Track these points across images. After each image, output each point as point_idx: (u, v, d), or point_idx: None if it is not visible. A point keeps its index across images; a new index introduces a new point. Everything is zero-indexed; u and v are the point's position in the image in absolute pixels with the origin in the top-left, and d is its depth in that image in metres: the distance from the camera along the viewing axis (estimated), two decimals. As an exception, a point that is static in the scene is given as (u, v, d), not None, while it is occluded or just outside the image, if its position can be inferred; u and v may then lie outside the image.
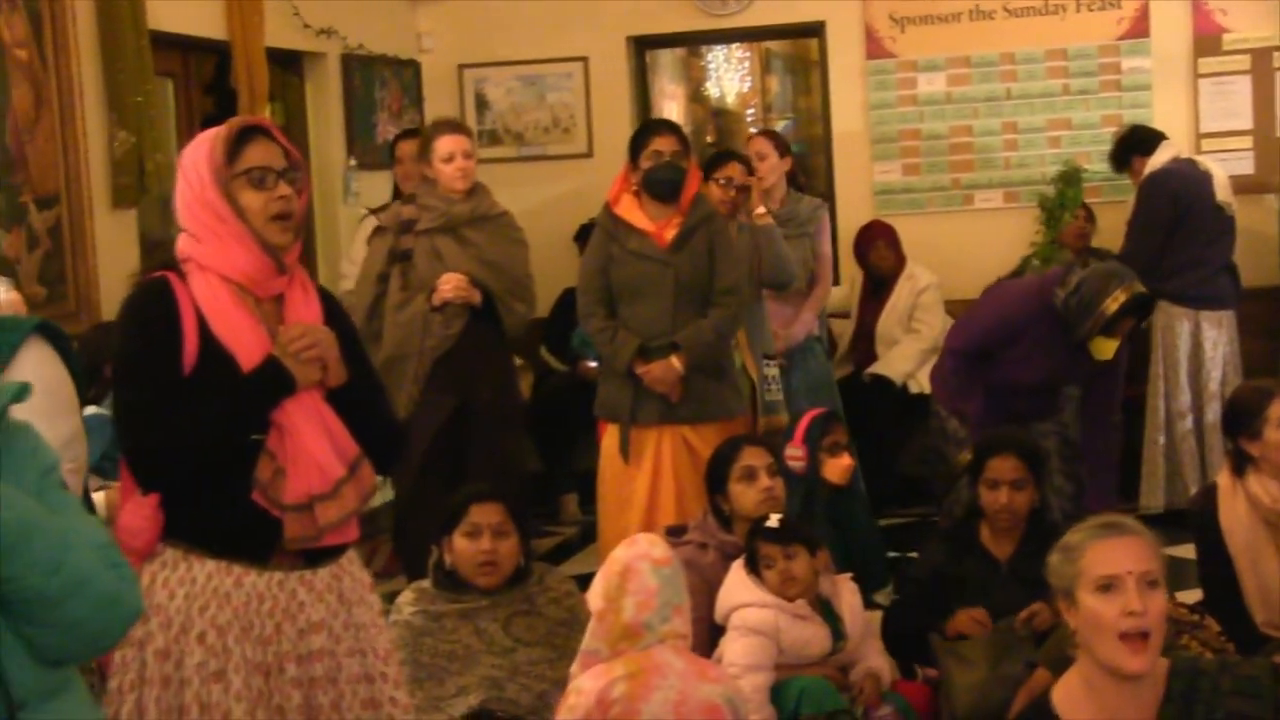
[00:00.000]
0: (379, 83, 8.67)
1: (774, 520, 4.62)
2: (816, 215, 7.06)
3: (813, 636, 4.55)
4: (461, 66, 9.20)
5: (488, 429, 5.93)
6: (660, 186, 5.65)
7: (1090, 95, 8.58)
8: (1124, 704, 3.03)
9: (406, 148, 7.24)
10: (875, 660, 4.66)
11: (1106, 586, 3.00)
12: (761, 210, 6.31)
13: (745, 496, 4.90)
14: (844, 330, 8.42)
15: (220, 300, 3.23)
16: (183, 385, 3.17)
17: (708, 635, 4.71)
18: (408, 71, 9.02)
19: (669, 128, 5.84)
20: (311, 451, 3.22)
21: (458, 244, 5.96)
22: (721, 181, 6.19)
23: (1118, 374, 5.95)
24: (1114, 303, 5.57)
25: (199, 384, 3.18)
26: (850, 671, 4.61)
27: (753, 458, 4.95)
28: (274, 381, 3.20)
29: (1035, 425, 5.77)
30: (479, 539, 4.54)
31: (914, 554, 5.84)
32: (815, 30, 9.04)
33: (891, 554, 6.16)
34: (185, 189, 3.27)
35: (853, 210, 8.75)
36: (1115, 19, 8.55)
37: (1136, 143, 7.60)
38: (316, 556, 3.29)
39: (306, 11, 7.87)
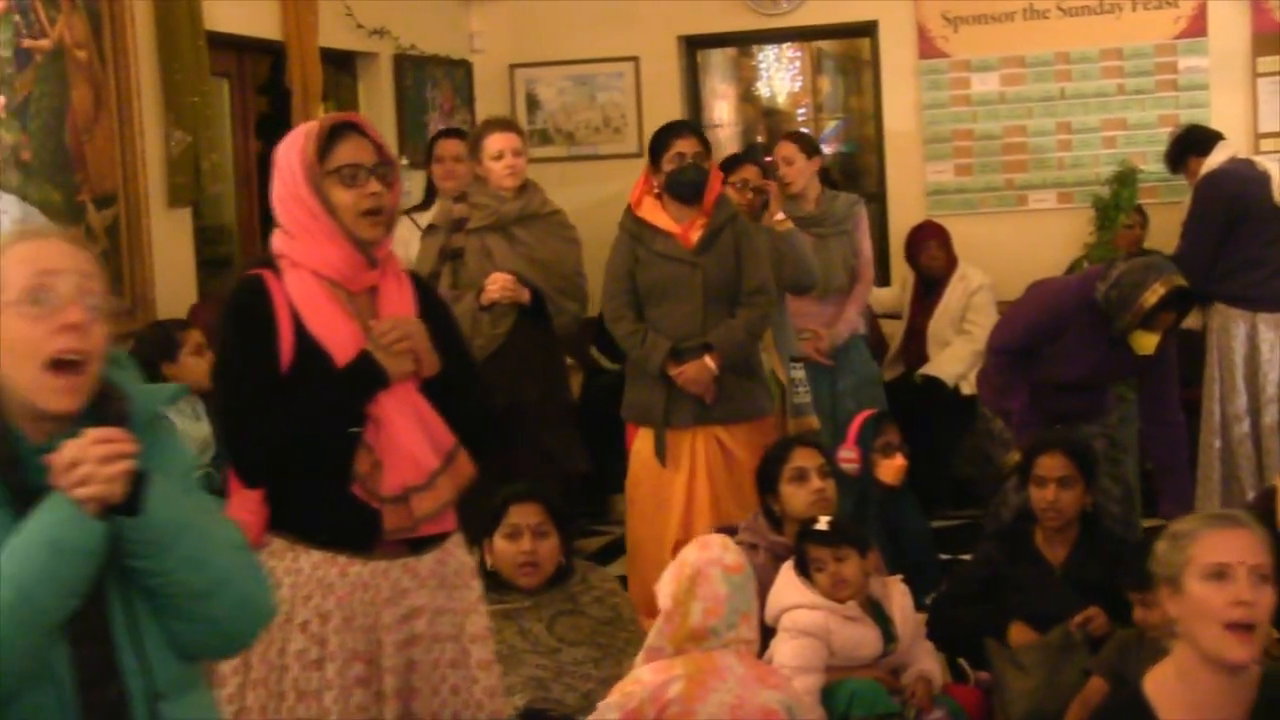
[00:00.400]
0: (431, 83, 8.70)
1: (823, 523, 4.61)
2: (853, 212, 7.07)
3: (863, 638, 4.53)
4: (513, 66, 9.22)
5: (536, 428, 5.93)
6: (685, 188, 5.65)
7: (1146, 95, 8.53)
8: (1219, 699, 3.00)
9: (447, 146, 7.25)
10: (927, 663, 4.64)
11: (1217, 574, 2.96)
12: (780, 216, 6.29)
13: (796, 498, 4.90)
14: (895, 331, 8.39)
15: (313, 296, 3.28)
16: (281, 382, 3.23)
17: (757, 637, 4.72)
18: (459, 71, 9.05)
19: (690, 129, 5.85)
20: (406, 444, 3.27)
21: (507, 242, 5.96)
22: (737, 185, 6.21)
23: (1169, 373, 5.89)
24: (1153, 295, 5.53)
25: (296, 380, 3.23)
26: (902, 674, 4.60)
27: (804, 459, 4.94)
28: (367, 376, 3.25)
29: (1081, 427, 5.74)
30: (519, 539, 4.55)
31: (966, 556, 5.82)
32: (867, 30, 9.02)
33: (943, 556, 6.13)
34: (279, 185, 3.32)
35: (905, 210, 8.73)
36: (1172, 18, 8.49)
37: (1192, 143, 7.53)
38: (420, 543, 3.35)
39: (359, 12, 7.91)
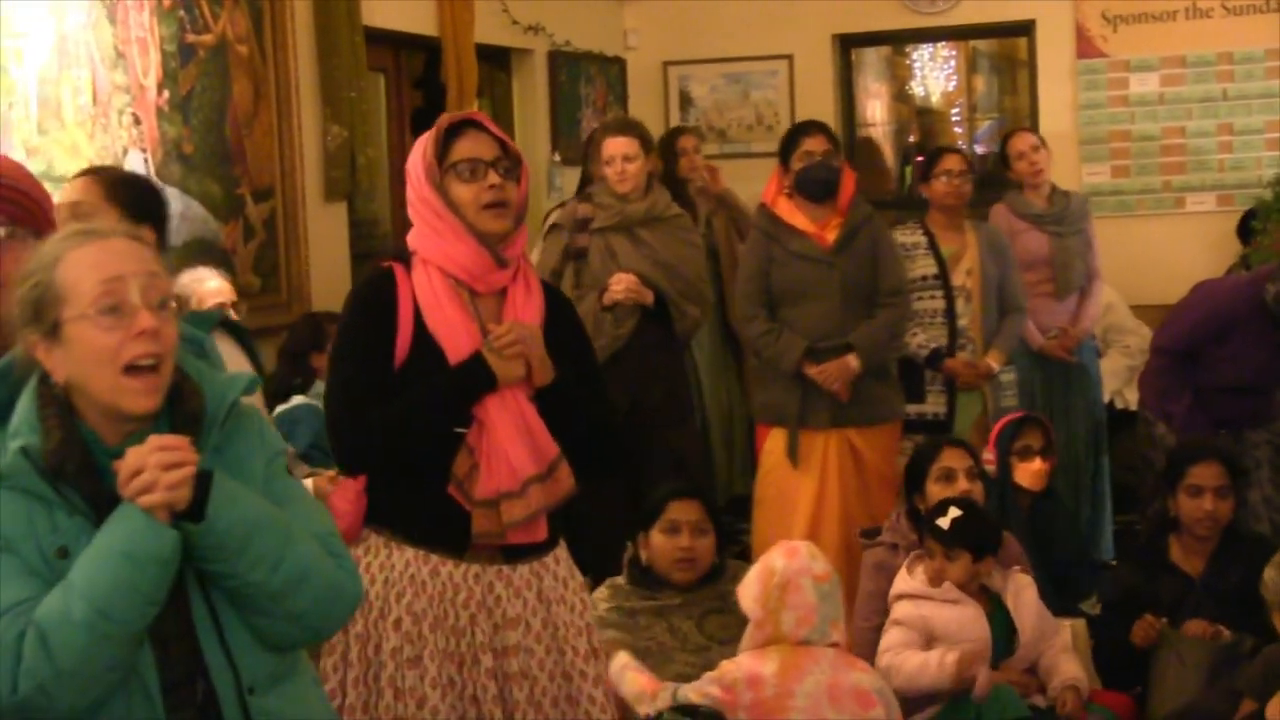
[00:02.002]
0: (584, 79, 8.75)
1: (945, 521, 4.53)
2: (1086, 210, 6.91)
3: (964, 617, 4.44)
4: (666, 64, 9.25)
5: (660, 429, 5.88)
6: (816, 186, 5.59)
7: (1313, 96, 8.33)
8: None
9: None
10: (1072, 669, 4.55)
11: None
12: None
13: (941, 498, 4.84)
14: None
15: (435, 293, 3.31)
16: (392, 374, 3.26)
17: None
18: (613, 68, 9.09)
19: (819, 128, 5.77)
20: (505, 449, 3.27)
21: (631, 243, 5.94)
22: (942, 176, 6.15)
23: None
24: None
25: (409, 373, 3.26)
26: (1035, 675, 4.52)
27: (952, 460, 4.88)
28: (475, 376, 3.26)
29: (1247, 434, 5.61)
30: (678, 535, 4.54)
31: (1114, 562, 5.74)
32: (1024, 29, 8.92)
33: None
34: (409, 187, 3.37)
35: (1060, 212, 8.59)
36: (1341, 17, 8.28)
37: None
38: (516, 553, 3.34)
39: (515, 9, 7.99)
